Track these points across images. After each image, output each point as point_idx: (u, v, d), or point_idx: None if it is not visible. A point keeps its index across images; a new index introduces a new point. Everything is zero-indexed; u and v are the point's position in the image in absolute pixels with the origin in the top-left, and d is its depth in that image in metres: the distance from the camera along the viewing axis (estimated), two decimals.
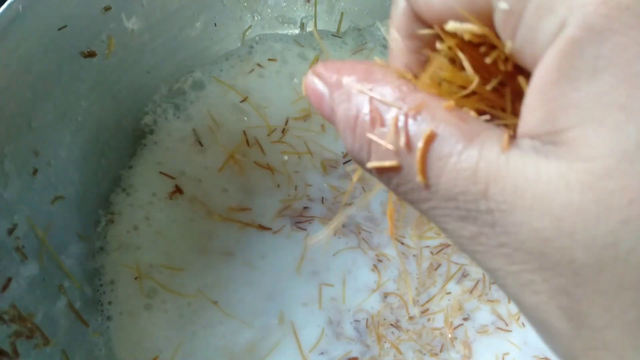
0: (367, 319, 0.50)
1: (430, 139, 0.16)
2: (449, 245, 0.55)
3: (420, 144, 0.16)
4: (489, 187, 0.15)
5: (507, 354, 0.51)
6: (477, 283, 0.54)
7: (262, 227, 0.53)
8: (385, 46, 0.68)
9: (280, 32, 0.65)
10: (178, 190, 0.52)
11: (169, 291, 0.47)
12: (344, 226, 0.55)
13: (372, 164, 0.18)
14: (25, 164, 0.41)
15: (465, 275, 0.55)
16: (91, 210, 0.48)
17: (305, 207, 0.55)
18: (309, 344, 0.49)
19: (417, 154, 0.16)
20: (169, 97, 0.58)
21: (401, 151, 0.17)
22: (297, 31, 0.66)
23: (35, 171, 0.41)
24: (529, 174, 0.15)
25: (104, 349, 0.44)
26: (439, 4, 0.17)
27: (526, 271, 0.15)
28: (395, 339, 0.50)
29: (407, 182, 0.17)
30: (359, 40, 0.68)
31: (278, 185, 0.56)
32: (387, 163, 0.17)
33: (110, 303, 0.46)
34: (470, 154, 0.16)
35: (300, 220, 0.54)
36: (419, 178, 0.16)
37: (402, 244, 0.54)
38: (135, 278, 0.48)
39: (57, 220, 0.43)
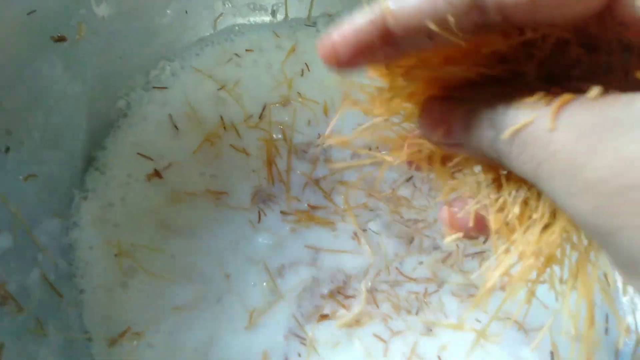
0: (344, 279, 0.52)
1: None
2: (422, 220, 0.58)
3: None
4: None
5: (479, 321, 0.53)
6: (449, 254, 0.56)
7: (237, 208, 0.54)
8: None
9: (251, 19, 0.67)
10: (157, 174, 0.54)
11: (149, 274, 0.49)
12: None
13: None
14: None
15: (435, 247, 0.57)
16: (65, 189, 0.50)
17: (274, 191, 0.57)
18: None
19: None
20: (144, 83, 0.60)
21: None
22: (268, 18, 0.68)
23: (7, 149, 0.43)
24: None
25: (77, 320, 0.46)
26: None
27: None
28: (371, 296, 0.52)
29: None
30: (331, 26, 0.70)
31: (253, 171, 0.57)
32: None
33: (83, 277, 0.48)
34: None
35: (268, 202, 0.56)
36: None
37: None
38: (116, 255, 0.50)
39: (30, 197, 0.45)
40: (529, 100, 0.19)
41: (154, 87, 0.59)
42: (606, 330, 0.54)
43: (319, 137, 0.61)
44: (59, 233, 0.48)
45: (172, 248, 0.51)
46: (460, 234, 0.26)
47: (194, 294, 0.50)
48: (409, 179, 0.59)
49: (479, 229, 0.25)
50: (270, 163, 0.57)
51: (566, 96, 0.18)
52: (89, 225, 0.50)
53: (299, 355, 0.48)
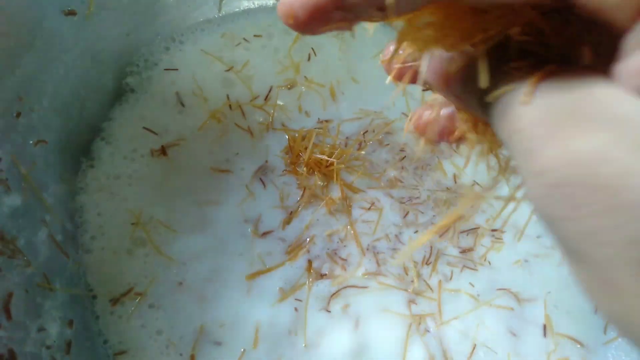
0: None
1: None
2: (417, 197, 0.59)
3: None
4: None
5: (472, 285, 0.54)
6: (445, 230, 0.58)
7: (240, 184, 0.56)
8: None
9: (255, 1, 0.69)
10: (163, 152, 0.56)
11: (162, 255, 0.50)
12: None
13: None
14: (9, 107, 0.45)
15: (432, 223, 0.58)
16: (73, 156, 0.52)
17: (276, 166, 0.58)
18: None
19: None
20: (151, 61, 0.62)
21: None
22: (271, 1, 0.70)
23: (18, 114, 0.46)
24: None
25: (82, 278, 0.48)
26: None
27: (592, 215, 0.14)
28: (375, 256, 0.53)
29: None
30: None
31: (256, 150, 0.59)
32: None
33: (91, 239, 0.50)
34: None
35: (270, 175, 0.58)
36: None
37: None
38: (132, 224, 0.52)
39: (39, 162, 0.47)
40: (519, 64, 0.18)
41: (165, 69, 0.61)
42: (596, 310, 0.55)
43: (320, 122, 0.62)
44: (66, 197, 0.50)
45: (180, 226, 0.53)
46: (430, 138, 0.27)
47: (198, 276, 0.51)
48: (402, 159, 0.61)
49: (445, 135, 0.26)
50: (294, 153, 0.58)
51: (550, 68, 0.17)
52: (95, 192, 0.52)
53: (296, 309, 0.49)
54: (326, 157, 0.55)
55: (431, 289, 0.53)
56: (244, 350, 0.47)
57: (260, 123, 0.60)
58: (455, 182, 0.60)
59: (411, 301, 0.52)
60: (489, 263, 0.56)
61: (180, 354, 0.47)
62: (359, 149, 0.60)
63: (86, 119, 0.54)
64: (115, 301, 0.48)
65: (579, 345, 0.53)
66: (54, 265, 0.45)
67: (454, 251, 0.56)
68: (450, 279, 0.54)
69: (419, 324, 0.51)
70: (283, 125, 0.60)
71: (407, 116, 0.63)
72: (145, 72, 0.61)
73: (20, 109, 0.46)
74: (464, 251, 0.56)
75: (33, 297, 0.42)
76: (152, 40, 0.62)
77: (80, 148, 0.53)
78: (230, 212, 0.54)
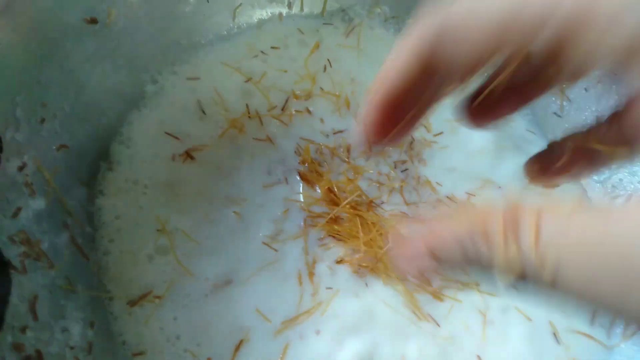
0: None
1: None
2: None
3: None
4: None
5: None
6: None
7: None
8: (370, 25, 0.74)
9: (269, 10, 0.70)
10: (189, 156, 0.57)
11: (183, 268, 0.51)
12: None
13: None
14: (34, 113, 0.46)
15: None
16: (92, 160, 0.54)
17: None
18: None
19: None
20: (170, 69, 0.63)
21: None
22: (285, 10, 0.71)
23: (42, 120, 0.47)
24: None
25: (101, 280, 0.49)
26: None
27: None
28: None
29: None
30: (346, 20, 0.73)
31: (282, 153, 0.60)
32: None
33: (111, 242, 0.51)
34: None
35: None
36: None
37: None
38: (158, 230, 0.53)
39: (61, 166, 0.49)
40: None
41: (188, 78, 0.62)
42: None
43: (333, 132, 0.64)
44: (85, 200, 0.51)
45: (202, 237, 0.53)
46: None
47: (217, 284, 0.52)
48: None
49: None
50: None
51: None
52: (113, 195, 0.53)
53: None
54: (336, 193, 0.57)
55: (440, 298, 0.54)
56: None
57: (277, 131, 0.61)
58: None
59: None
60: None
61: (195, 357, 0.48)
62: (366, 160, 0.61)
63: (105, 123, 0.55)
64: (133, 303, 0.49)
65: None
66: (76, 268, 0.47)
67: None
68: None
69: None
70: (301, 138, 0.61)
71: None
72: (162, 79, 0.62)
73: (44, 114, 0.47)
74: None
75: (57, 299, 0.43)
76: (169, 48, 0.63)
77: (99, 152, 0.55)
78: (255, 220, 0.55)
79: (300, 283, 0.53)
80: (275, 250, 0.54)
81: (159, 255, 0.52)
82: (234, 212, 0.55)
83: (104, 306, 0.48)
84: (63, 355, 0.41)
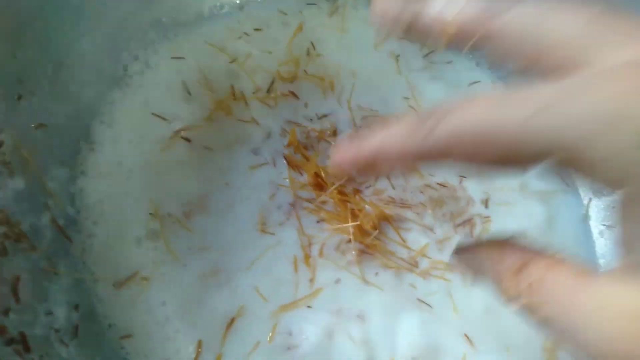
0: None
1: None
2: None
3: None
4: None
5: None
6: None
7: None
8: (355, 6, 0.73)
9: None
10: (181, 137, 0.56)
11: (172, 255, 0.50)
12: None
13: None
14: (11, 90, 0.44)
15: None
16: (73, 141, 0.52)
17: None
18: None
19: None
20: (152, 48, 0.61)
21: None
22: None
23: (19, 97, 0.45)
24: None
25: (86, 262, 0.48)
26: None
27: None
28: None
29: None
30: (330, 0, 0.72)
31: (260, 139, 0.59)
32: None
33: (95, 224, 0.50)
34: None
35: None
36: None
37: None
38: (151, 214, 0.51)
39: (40, 145, 0.47)
40: None
41: (172, 58, 0.60)
42: None
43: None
44: (67, 181, 0.50)
45: (190, 222, 0.52)
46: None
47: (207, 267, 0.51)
48: None
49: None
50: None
51: None
52: (95, 177, 0.51)
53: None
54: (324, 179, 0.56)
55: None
56: (259, 342, 0.48)
57: (262, 113, 0.60)
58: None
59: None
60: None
61: (187, 341, 0.47)
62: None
63: (85, 102, 0.53)
64: (119, 285, 0.48)
65: None
66: (58, 249, 0.45)
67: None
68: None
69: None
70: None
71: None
72: (145, 58, 0.60)
73: (21, 92, 0.45)
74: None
75: (39, 281, 0.41)
76: (151, 26, 0.61)
77: (80, 132, 0.53)
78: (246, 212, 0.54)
79: (296, 269, 0.52)
80: (273, 233, 0.53)
81: (148, 240, 0.51)
82: (222, 194, 0.54)
83: (88, 289, 0.47)
84: (48, 337, 0.39)
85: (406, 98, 0.64)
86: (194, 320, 0.48)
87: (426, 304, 0.53)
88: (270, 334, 0.48)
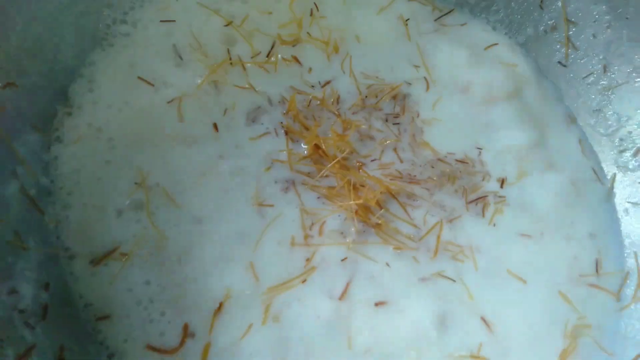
0: None
1: None
2: None
3: None
4: None
5: None
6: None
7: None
8: None
9: None
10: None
11: (155, 230, 0.46)
12: None
13: None
14: None
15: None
16: (47, 103, 0.47)
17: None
18: None
19: None
20: (141, 3, 0.56)
21: None
22: None
23: None
24: None
25: (59, 236, 0.43)
26: None
27: None
28: None
29: None
30: None
31: (259, 107, 0.54)
32: None
33: (70, 194, 0.45)
34: None
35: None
36: None
37: None
38: (136, 183, 0.47)
39: (9, 108, 0.42)
40: None
41: (161, 21, 0.55)
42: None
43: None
44: (39, 148, 0.45)
45: (178, 195, 0.48)
46: None
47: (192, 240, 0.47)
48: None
49: None
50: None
51: None
52: (73, 143, 0.47)
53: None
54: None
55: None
56: (252, 324, 0.44)
57: (261, 80, 0.55)
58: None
59: None
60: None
61: (169, 322, 0.43)
62: (354, 113, 0.56)
63: (62, 62, 0.48)
64: (97, 262, 0.43)
65: None
66: (27, 222, 0.41)
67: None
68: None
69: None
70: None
71: (410, 84, 0.60)
72: (130, 17, 0.55)
73: None
74: None
75: (3, 256, 0.37)
76: None
77: (55, 93, 0.48)
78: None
79: (293, 244, 0.47)
80: (271, 204, 0.49)
81: (130, 211, 0.46)
82: (215, 167, 0.50)
83: (62, 265, 0.42)
84: (10, 318, 0.35)
85: (416, 66, 0.59)
86: (180, 302, 0.44)
87: (448, 278, 0.48)
88: (263, 316, 0.44)
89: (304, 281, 0.46)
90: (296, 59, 0.57)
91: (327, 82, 0.57)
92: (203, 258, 0.46)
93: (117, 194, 0.46)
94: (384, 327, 0.45)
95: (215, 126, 0.52)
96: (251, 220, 0.48)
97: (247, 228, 0.48)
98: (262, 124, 0.53)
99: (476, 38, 0.61)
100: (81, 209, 0.45)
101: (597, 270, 0.52)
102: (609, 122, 0.62)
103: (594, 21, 0.61)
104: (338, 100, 0.56)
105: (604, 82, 0.62)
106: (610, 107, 0.62)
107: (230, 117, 0.53)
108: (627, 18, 0.61)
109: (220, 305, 0.44)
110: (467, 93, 0.58)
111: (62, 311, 0.40)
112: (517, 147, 0.57)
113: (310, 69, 0.57)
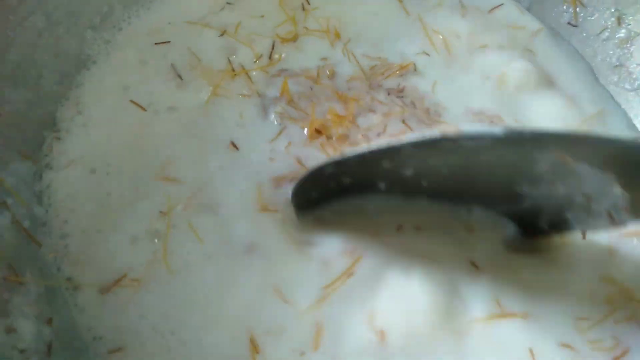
0: None
1: None
2: None
3: None
4: None
5: None
6: None
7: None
8: None
9: None
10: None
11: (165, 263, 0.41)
12: None
13: None
14: None
15: None
16: (35, 130, 0.44)
17: None
18: None
19: None
20: (118, 27, 0.54)
21: None
22: None
23: None
24: None
25: (60, 267, 0.40)
26: None
27: None
28: None
29: None
30: None
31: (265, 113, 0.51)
32: None
33: (67, 222, 0.42)
34: None
35: None
36: None
37: None
38: (160, 212, 0.43)
39: None
40: None
41: (156, 43, 0.53)
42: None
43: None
44: (30, 176, 0.42)
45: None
46: None
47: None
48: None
49: None
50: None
51: None
52: (64, 168, 0.44)
53: None
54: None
55: None
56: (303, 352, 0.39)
57: (266, 83, 0.53)
58: None
59: None
60: None
61: (189, 349, 0.39)
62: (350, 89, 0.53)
63: (46, 87, 0.46)
64: (105, 290, 0.39)
65: None
66: (22, 255, 0.37)
67: None
68: None
69: None
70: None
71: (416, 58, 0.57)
72: (112, 37, 0.53)
73: None
74: None
75: None
76: (117, 1, 0.54)
77: (42, 119, 0.45)
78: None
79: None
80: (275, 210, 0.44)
81: (145, 239, 0.42)
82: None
83: (65, 297, 0.39)
84: None
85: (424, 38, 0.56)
86: (194, 326, 0.39)
87: None
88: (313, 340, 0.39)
89: None
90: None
91: (332, 71, 0.54)
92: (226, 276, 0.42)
93: (118, 219, 0.43)
94: None
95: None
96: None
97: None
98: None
99: (480, 1, 0.58)
100: (80, 236, 0.41)
101: None
102: (634, 76, 0.58)
103: None
104: (333, 74, 0.53)
105: (621, 35, 0.59)
106: (631, 60, 0.58)
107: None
108: None
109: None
110: (476, 62, 0.55)
111: (69, 347, 0.36)
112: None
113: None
